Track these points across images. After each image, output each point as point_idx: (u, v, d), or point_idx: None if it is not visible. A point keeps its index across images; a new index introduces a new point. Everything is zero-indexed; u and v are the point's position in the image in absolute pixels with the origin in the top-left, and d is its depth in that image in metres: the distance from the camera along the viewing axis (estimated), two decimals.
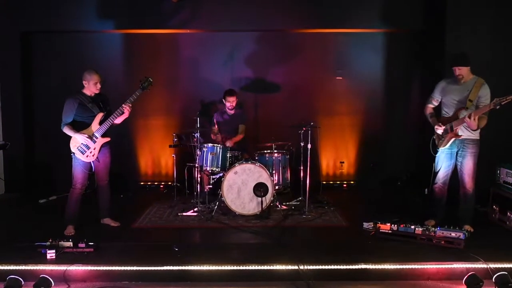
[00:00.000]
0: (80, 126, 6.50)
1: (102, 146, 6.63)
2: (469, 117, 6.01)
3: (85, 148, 6.48)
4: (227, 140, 8.22)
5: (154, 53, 9.72)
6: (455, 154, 6.50)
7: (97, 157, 6.61)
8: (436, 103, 6.74)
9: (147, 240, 6.51)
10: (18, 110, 9.35)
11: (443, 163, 6.59)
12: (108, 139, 6.67)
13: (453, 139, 6.39)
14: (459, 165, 6.50)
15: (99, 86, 6.54)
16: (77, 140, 6.48)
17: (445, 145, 6.48)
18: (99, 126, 6.53)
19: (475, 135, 6.37)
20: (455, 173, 6.61)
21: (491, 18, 8.23)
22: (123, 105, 6.53)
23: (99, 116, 6.55)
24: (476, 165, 6.40)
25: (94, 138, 6.51)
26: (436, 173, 6.71)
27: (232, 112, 8.53)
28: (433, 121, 6.65)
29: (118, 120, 6.71)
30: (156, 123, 9.92)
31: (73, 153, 6.53)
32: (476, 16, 8.20)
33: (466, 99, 6.25)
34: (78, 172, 6.59)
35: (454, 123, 6.31)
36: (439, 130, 6.51)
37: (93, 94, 6.57)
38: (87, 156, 6.52)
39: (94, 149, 6.55)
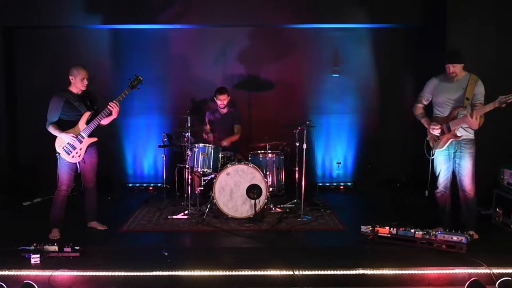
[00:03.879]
0: (66, 125, 6.46)
1: (89, 146, 6.59)
2: (471, 116, 5.94)
3: (70, 148, 6.44)
4: (224, 139, 8.21)
5: (143, 49, 9.67)
6: (453, 155, 6.42)
7: (83, 158, 6.57)
8: (426, 102, 6.66)
9: (136, 244, 6.49)
10: (1, 109, 9.26)
11: (441, 166, 6.51)
12: (95, 139, 6.63)
13: (450, 140, 6.31)
14: (457, 167, 6.41)
15: (86, 82, 6.50)
16: (62, 140, 6.44)
17: (441, 147, 6.38)
18: (86, 126, 6.48)
19: (471, 135, 6.31)
20: (455, 176, 6.54)
21: (494, 13, 8.19)
22: (110, 103, 6.50)
23: (86, 115, 6.51)
24: (474, 166, 6.33)
25: (80, 138, 6.46)
26: (435, 178, 6.63)
27: (225, 111, 8.51)
28: (426, 122, 6.56)
29: (105, 121, 6.66)
30: (145, 122, 9.89)
31: (58, 153, 6.49)
32: (478, 11, 8.17)
33: (462, 98, 6.19)
34: (63, 174, 6.55)
35: (452, 123, 6.22)
36: (436, 130, 6.38)
37: (80, 92, 6.53)
38: (72, 157, 6.48)
39: (81, 149, 6.50)
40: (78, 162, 6.58)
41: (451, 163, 6.46)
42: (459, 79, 6.26)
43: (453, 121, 6.23)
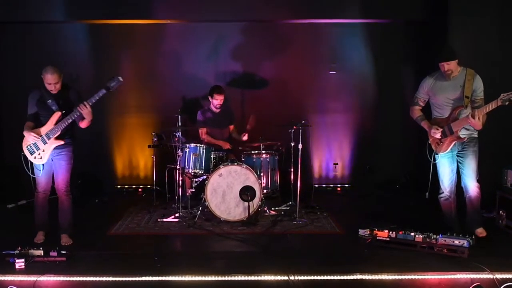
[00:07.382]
0: (38, 124, 6.37)
1: (58, 148, 6.41)
2: (473, 117, 5.87)
3: (34, 148, 6.33)
4: (244, 134, 8.37)
5: (132, 45, 9.69)
6: (456, 155, 6.40)
7: (49, 160, 6.44)
8: (423, 104, 6.59)
9: (124, 248, 6.48)
10: None
11: (445, 169, 6.46)
12: (61, 142, 6.38)
13: (454, 143, 6.27)
14: (460, 166, 6.41)
15: (51, 87, 6.29)
16: (27, 139, 6.36)
17: (445, 150, 6.34)
18: (53, 126, 6.31)
19: (475, 133, 6.29)
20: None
21: (497, 8, 8.19)
22: (80, 105, 6.21)
23: (56, 115, 6.30)
24: (477, 164, 6.32)
25: (45, 138, 6.30)
26: (439, 182, 6.58)
27: (218, 110, 8.51)
28: (426, 125, 6.48)
29: (83, 124, 6.45)
30: (134, 121, 9.89)
31: (23, 153, 6.42)
32: (481, 5, 8.16)
33: (461, 96, 6.13)
34: (36, 175, 6.49)
35: (453, 124, 6.17)
36: (437, 134, 6.31)
37: (55, 91, 6.44)
38: (35, 158, 6.37)
39: (43, 151, 6.34)
40: (43, 164, 6.46)
41: (455, 165, 6.44)
42: (455, 76, 6.21)
43: (454, 122, 6.18)
